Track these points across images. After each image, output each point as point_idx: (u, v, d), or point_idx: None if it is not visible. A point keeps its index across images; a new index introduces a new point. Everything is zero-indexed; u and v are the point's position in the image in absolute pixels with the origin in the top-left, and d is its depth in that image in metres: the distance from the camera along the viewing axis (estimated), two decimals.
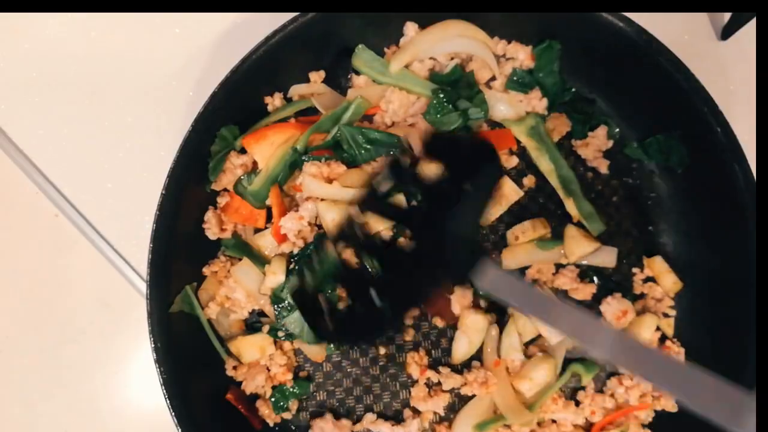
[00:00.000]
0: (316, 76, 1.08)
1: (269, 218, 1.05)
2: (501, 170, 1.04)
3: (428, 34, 1.06)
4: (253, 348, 1.02)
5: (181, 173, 0.95)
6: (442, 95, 1.03)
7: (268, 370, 1.03)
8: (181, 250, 0.99)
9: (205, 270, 1.04)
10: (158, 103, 1.14)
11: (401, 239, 0.97)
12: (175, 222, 0.96)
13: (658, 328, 1.03)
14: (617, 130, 1.08)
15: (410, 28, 1.07)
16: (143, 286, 1.06)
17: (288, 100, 1.08)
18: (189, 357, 0.98)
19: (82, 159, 1.14)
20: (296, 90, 1.07)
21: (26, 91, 1.16)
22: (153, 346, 0.92)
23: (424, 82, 1.05)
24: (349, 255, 0.91)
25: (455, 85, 1.05)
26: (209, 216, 1.04)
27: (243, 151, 1.04)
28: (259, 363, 1.03)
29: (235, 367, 1.03)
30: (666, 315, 1.03)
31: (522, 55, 1.08)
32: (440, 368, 1.03)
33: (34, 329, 1.12)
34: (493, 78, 1.08)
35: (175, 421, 0.91)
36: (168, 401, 0.91)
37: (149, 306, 0.92)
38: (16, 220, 1.14)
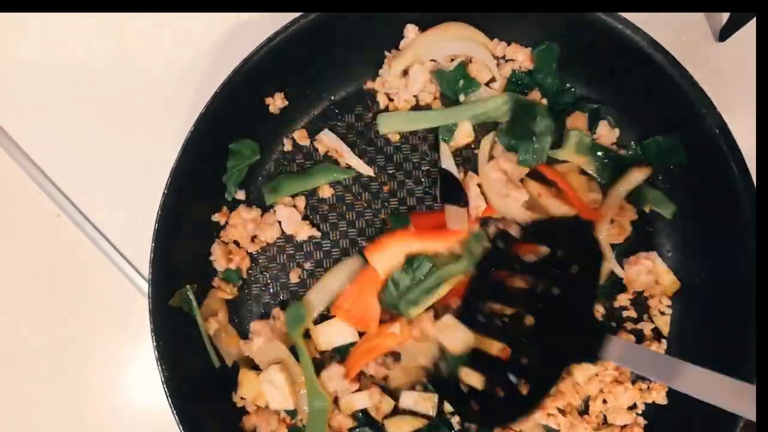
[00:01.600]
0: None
1: None
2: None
3: (428, 36, 1.06)
4: (250, 386, 1.01)
5: (183, 173, 0.96)
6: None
7: (278, 414, 1.03)
8: (182, 249, 0.99)
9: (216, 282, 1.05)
10: (160, 104, 1.14)
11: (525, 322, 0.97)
12: (177, 221, 0.97)
13: (654, 328, 1.04)
14: (616, 130, 1.09)
15: (410, 30, 1.08)
16: (145, 286, 1.06)
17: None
18: (190, 356, 0.98)
19: (84, 159, 1.14)
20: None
21: (28, 92, 1.16)
22: (154, 344, 0.92)
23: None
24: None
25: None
26: (215, 248, 1.05)
27: (250, 204, 1.07)
28: (267, 408, 1.03)
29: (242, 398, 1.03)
30: (662, 313, 1.04)
31: (521, 57, 1.09)
32: None
33: (35, 329, 1.12)
34: (493, 79, 1.09)
35: (177, 420, 0.91)
36: (169, 400, 0.91)
37: (151, 304, 0.93)
38: (18, 221, 1.15)
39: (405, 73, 1.08)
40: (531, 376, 0.91)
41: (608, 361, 0.85)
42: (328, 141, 1.10)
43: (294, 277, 1.08)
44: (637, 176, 1.04)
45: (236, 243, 1.08)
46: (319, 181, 1.09)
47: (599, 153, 1.06)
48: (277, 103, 1.07)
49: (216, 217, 1.06)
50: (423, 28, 1.07)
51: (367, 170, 1.10)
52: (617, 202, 1.04)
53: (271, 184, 1.08)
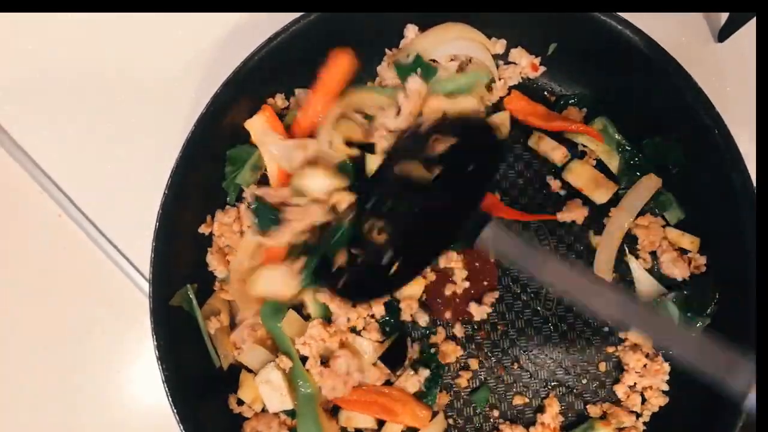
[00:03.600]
0: None
1: None
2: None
3: (428, 36, 1.07)
4: (251, 388, 1.01)
5: (184, 173, 0.96)
6: None
7: (279, 417, 1.03)
8: (183, 249, 1.00)
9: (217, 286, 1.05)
10: (161, 104, 1.15)
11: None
12: (178, 221, 0.97)
13: None
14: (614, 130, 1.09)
15: (410, 30, 1.08)
16: (146, 285, 1.07)
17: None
18: (191, 356, 0.99)
19: (85, 159, 1.15)
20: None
21: (30, 92, 1.16)
22: (155, 344, 0.93)
23: None
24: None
25: None
26: (210, 259, 1.04)
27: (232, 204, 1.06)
28: (267, 412, 1.02)
29: (240, 403, 1.03)
30: None
31: (524, 62, 1.09)
32: None
33: (37, 329, 1.13)
34: (492, 80, 1.09)
35: (177, 419, 0.91)
36: (170, 399, 0.91)
37: (152, 304, 0.93)
38: (19, 220, 1.15)
39: None
40: (405, 257, 0.92)
41: (489, 247, 0.87)
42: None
43: None
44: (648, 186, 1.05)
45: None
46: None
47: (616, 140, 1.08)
48: (278, 103, 1.08)
49: (202, 229, 1.05)
50: (423, 28, 1.08)
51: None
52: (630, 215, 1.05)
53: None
